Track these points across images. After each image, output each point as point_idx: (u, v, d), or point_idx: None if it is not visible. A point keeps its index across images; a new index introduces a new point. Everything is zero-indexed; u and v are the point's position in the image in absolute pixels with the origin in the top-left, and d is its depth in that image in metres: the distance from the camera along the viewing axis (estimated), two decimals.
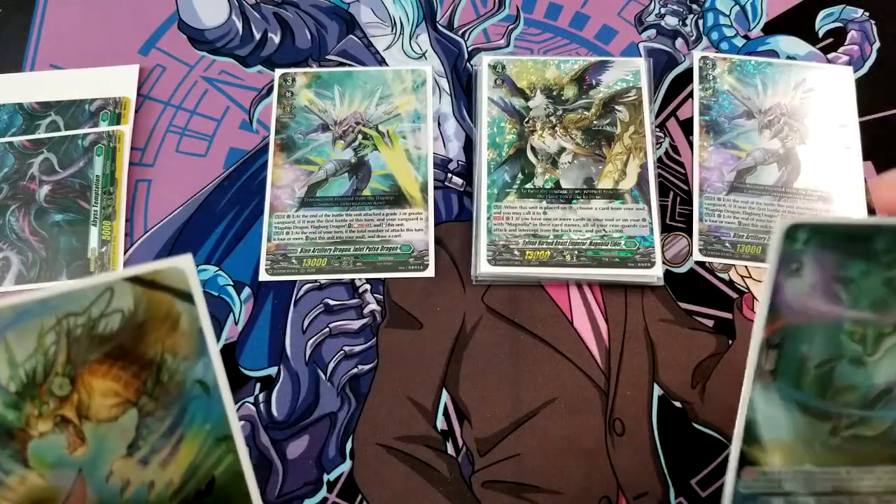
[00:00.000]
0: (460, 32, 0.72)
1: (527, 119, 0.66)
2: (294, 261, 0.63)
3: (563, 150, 0.65)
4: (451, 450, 0.58)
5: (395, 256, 0.63)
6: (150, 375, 0.35)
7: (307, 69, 0.70)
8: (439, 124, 0.69)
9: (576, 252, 0.62)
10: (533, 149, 0.65)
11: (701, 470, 0.58)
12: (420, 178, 0.66)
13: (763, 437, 0.46)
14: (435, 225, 0.65)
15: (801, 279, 0.42)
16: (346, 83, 0.69)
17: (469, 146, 0.68)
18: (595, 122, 0.66)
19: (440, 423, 0.59)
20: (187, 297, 0.35)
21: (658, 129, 0.68)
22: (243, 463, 0.37)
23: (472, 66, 0.71)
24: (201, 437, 0.37)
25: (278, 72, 0.70)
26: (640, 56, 0.71)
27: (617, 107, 0.67)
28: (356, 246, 0.63)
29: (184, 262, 0.34)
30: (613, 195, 0.63)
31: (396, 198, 0.65)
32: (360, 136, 0.67)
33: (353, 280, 0.63)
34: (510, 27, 0.72)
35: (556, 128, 0.66)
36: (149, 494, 0.36)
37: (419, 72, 0.69)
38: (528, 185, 0.64)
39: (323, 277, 0.63)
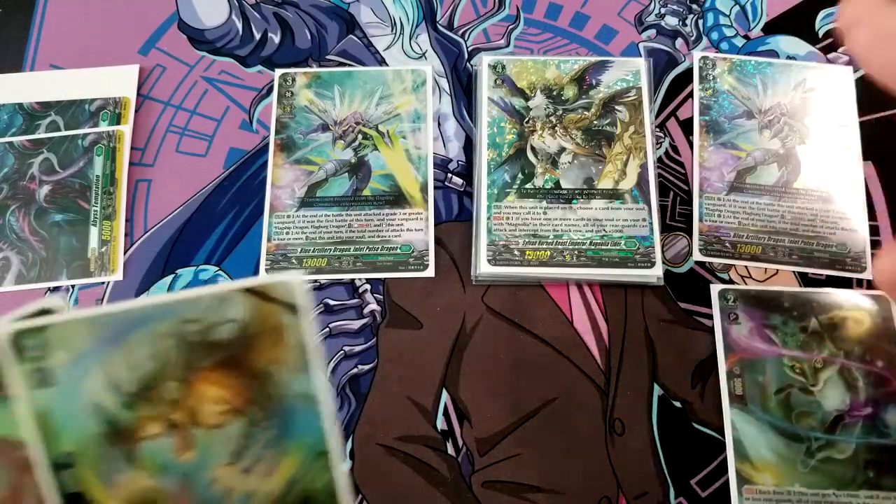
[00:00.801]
0: (460, 32, 0.72)
1: (527, 119, 0.66)
2: (294, 261, 0.63)
3: (563, 150, 0.65)
4: (451, 450, 0.58)
5: (395, 256, 0.63)
6: (258, 386, 0.36)
7: (307, 69, 0.70)
8: (439, 124, 0.69)
9: (576, 252, 0.62)
10: (533, 149, 0.65)
11: (701, 470, 0.58)
12: (420, 178, 0.66)
13: (751, 456, 0.53)
14: (435, 225, 0.65)
15: (741, 325, 0.57)
16: (346, 83, 0.69)
17: (469, 146, 0.68)
18: (595, 122, 0.66)
19: (440, 423, 0.59)
20: (295, 310, 0.35)
21: (658, 129, 0.68)
22: (340, 482, 0.37)
23: (472, 66, 0.71)
24: (302, 451, 0.37)
25: (278, 72, 0.70)
26: (640, 56, 0.71)
27: (617, 107, 0.67)
28: (356, 246, 0.63)
29: (294, 277, 0.35)
30: (613, 195, 0.63)
31: (396, 198, 0.65)
32: (360, 136, 0.67)
33: (353, 280, 0.63)
34: (510, 27, 0.72)
35: (556, 128, 0.66)
36: None
37: (419, 72, 0.69)
38: (528, 185, 0.64)
39: (323, 277, 0.63)
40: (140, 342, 0.34)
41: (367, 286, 0.63)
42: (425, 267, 0.63)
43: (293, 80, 0.69)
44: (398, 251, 0.63)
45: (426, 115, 0.68)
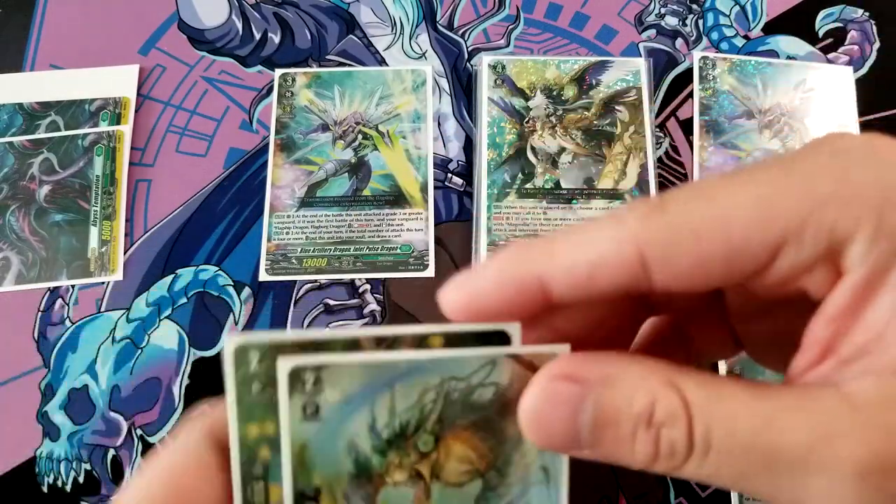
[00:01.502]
0: (460, 32, 0.72)
1: (527, 119, 0.66)
2: (294, 261, 0.63)
3: (563, 150, 0.65)
4: None
5: (395, 256, 0.63)
6: (505, 452, 0.34)
7: (307, 69, 0.70)
8: (439, 124, 0.69)
9: None
10: (533, 149, 0.65)
11: None
12: (420, 178, 0.66)
13: None
14: (435, 225, 0.65)
15: None
16: (346, 83, 0.69)
17: (469, 146, 0.68)
18: (595, 122, 0.66)
19: None
20: None
21: (658, 129, 0.68)
22: None
23: (472, 66, 0.70)
24: None
25: (278, 72, 0.70)
26: (640, 56, 0.71)
27: (617, 107, 0.67)
28: (356, 246, 0.63)
29: (561, 348, 0.31)
30: (613, 195, 0.63)
31: (396, 198, 0.65)
32: (360, 136, 0.67)
33: (353, 280, 0.63)
34: (510, 27, 0.72)
35: (556, 128, 0.66)
36: None
37: (419, 72, 0.69)
38: (528, 185, 0.64)
39: (323, 277, 0.63)
40: (404, 392, 0.33)
41: (368, 286, 0.63)
42: (425, 267, 0.63)
43: (293, 80, 0.69)
44: (398, 251, 0.63)
45: (426, 115, 0.68)
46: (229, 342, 0.30)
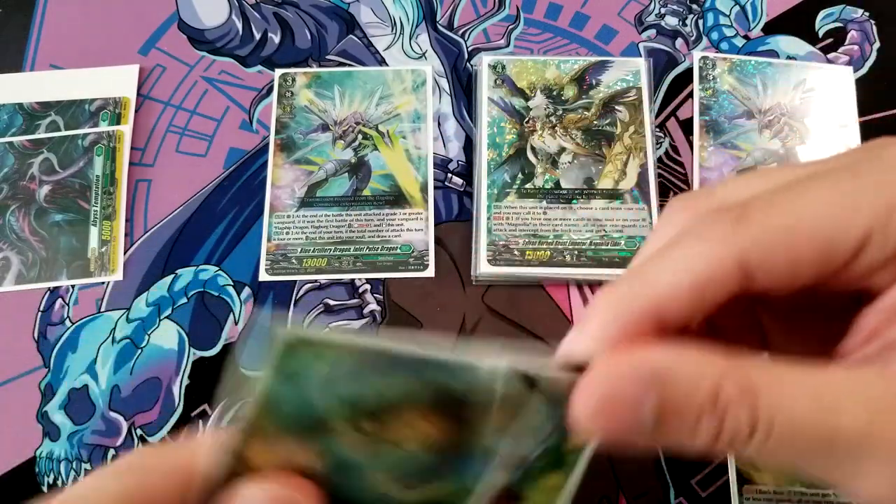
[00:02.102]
0: (460, 32, 0.72)
1: (527, 119, 0.67)
2: (294, 261, 0.63)
3: (563, 150, 0.65)
4: None
5: (395, 256, 0.63)
6: (463, 437, 0.33)
7: (307, 69, 0.70)
8: (439, 124, 0.69)
9: (576, 252, 0.62)
10: (533, 149, 0.65)
11: (701, 470, 0.58)
12: (420, 178, 0.66)
13: None
14: (435, 225, 0.65)
15: None
16: (346, 83, 0.69)
17: (469, 146, 0.68)
18: (595, 122, 0.66)
19: None
20: (552, 401, 0.32)
21: (658, 129, 0.68)
22: None
23: (472, 66, 0.71)
24: (455, 484, 0.35)
25: (278, 72, 0.70)
26: (640, 56, 0.71)
27: (617, 107, 0.67)
28: (356, 246, 0.63)
29: (568, 377, 0.31)
30: (613, 195, 0.64)
31: (396, 198, 0.65)
32: (360, 136, 0.67)
33: (353, 280, 0.63)
34: (510, 27, 0.72)
35: (556, 128, 0.66)
36: None
37: (419, 72, 0.70)
38: (528, 185, 0.64)
39: (323, 277, 0.63)
40: (401, 383, 0.33)
41: (367, 286, 0.63)
42: (425, 267, 0.63)
43: (293, 80, 0.69)
44: (398, 251, 0.63)
45: (426, 115, 0.68)
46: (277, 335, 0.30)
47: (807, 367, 0.27)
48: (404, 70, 0.70)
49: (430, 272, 0.63)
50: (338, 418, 0.33)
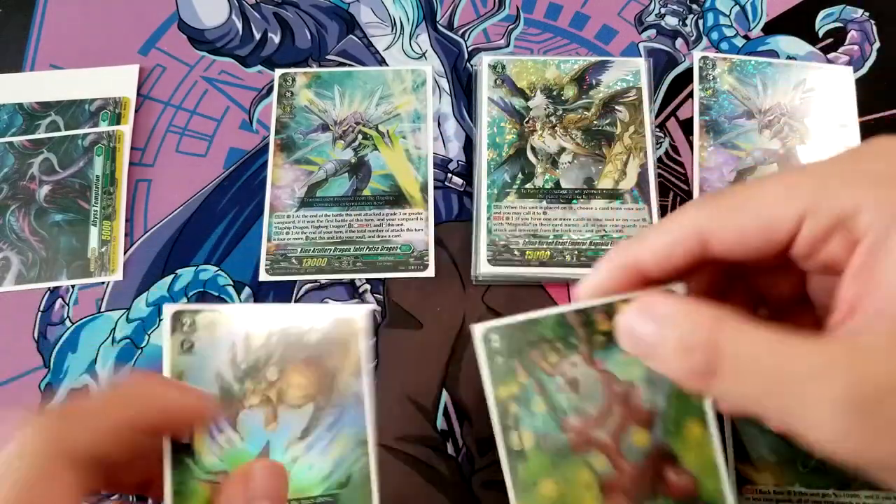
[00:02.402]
0: (460, 32, 0.72)
1: (527, 119, 0.67)
2: (294, 261, 0.63)
3: (563, 149, 0.65)
4: (451, 450, 0.58)
5: (395, 256, 0.63)
6: (327, 381, 0.48)
7: (307, 69, 0.70)
8: (439, 124, 0.69)
9: (576, 252, 0.62)
10: (533, 149, 0.65)
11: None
12: (420, 178, 0.66)
13: (751, 456, 0.54)
14: (435, 225, 0.65)
15: None
16: (346, 83, 0.69)
17: (469, 146, 0.68)
18: (595, 121, 0.66)
19: (440, 423, 0.59)
20: (358, 330, 0.49)
21: (658, 129, 0.68)
22: (372, 465, 0.48)
23: (472, 66, 0.71)
24: (349, 438, 0.48)
25: (278, 72, 0.70)
26: (640, 56, 0.71)
27: (617, 107, 0.67)
28: (356, 246, 0.63)
29: (359, 309, 0.49)
30: (613, 195, 0.63)
31: (396, 198, 0.65)
32: (360, 136, 0.67)
33: (352, 280, 0.63)
34: (510, 27, 0.72)
35: (556, 128, 0.66)
36: (308, 475, 0.47)
37: (419, 72, 0.70)
38: (529, 185, 0.64)
39: (323, 277, 0.63)
40: (257, 335, 0.49)
41: (367, 286, 0.63)
42: (425, 267, 0.63)
43: (293, 80, 0.69)
44: (398, 251, 0.63)
45: (426, 115, 0.68)
46: (477, 329, 0.45)
47: (784, 332, 0.33)
48: (404, 70, 0.70)
49: (430, 272, 0.63)
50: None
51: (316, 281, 0.63)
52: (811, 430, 0.32)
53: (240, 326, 0.49)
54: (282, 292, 0.63)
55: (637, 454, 0.47)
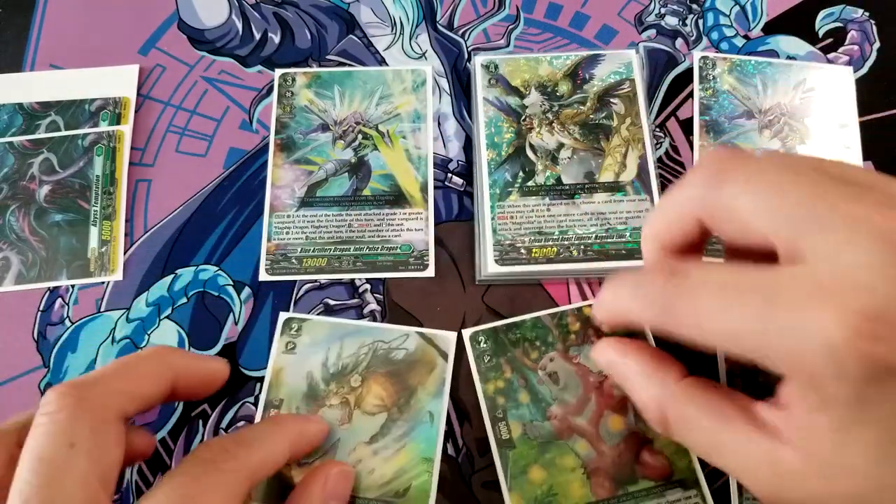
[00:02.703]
0: (460, 32, 0.72)
1: (523, 117, 0.67)
2: (294, 261, 0.63)
3: (561, 145, 0.65)
4: (451, 450, 0.58)
5: (395, 256, 0.63)
6: (405, 395, 0.56)
7: (307, 69, 0.70)
8: (439, 124, 0.69)
9: (582, 247, 0.62)
10: (532, 146, 0.65)
11: (700, 470, 0.57)
12: (420, 178, 0.66)
13: None
14: (435, 225, 0.65)
15: None
16: (346, 83, 0.69)
17: (469, 146, 0.68)
18: (591, 115, 0.66)
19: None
20: (445, 356, 0.58)
21: (658, 129, 0.68)
22: (433, 483, 0.54)
23: (471, 66, 0.70)
24: (415, 452, 0.55)
25: (278, 72, 0.70)
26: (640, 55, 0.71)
27: (612, 99, 0.67)
28: (356, 246, 0.63)
29: (450, 336, 0.59)
30: (615, 188, 0.64)
31: (396, 198, 0.65)
32: (360, 136, 0.67)
33: (353, 280, 0.63)
34: (510, 27, 0.72)
35: (554, 124, 0.66)
36: (368, 478, 0.53)
37: (419, 72, 0.70)
38: (530, 183, 0.64)
39: (323, 277, 0.63)
40: (348, 344, 0.59)
41: (368, 286, 0.63)
42: (425, 267, 0.63)
43: (293, 80, 0.69)
44: (398, 251, 0.63)
45: (426, 115, 0.68)
46: (465, 333, 0.58)
47: (713, 395, 0.42)
48: (404, 70, 0.70)
49: (430, 272, 0.63)
50: None
51: (316, 281, 0.63)
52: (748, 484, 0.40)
53: (337, 337, 0.59)
54: (282, 292, 0.63)
55: (615, 438, 0.55)
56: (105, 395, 0.43)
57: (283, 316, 0.60)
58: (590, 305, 0.57)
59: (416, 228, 0.64)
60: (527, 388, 0.57)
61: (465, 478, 0.57)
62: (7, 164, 0.67)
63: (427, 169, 0.66)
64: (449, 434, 0.58)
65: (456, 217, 0.66)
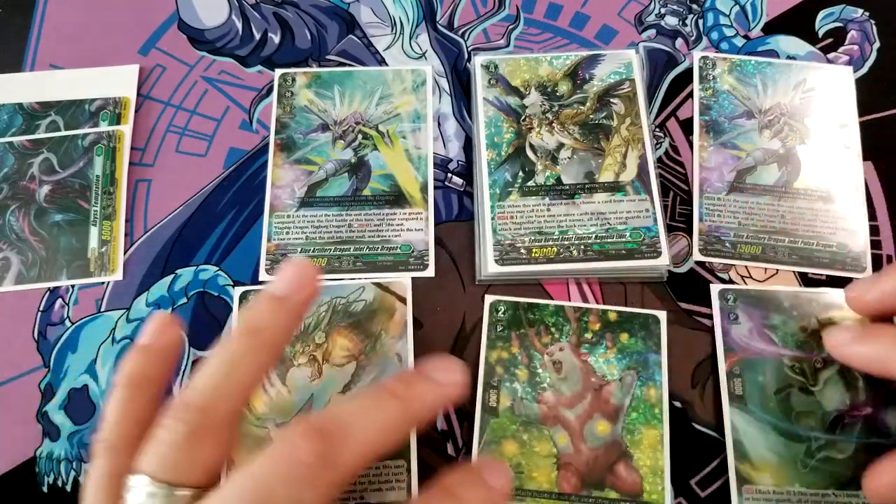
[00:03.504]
0: (460, 32, 0.72)
1: (523, 117, 0.66)
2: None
3: (561, 145, 0.65)
4: (451, 450, 0.58)
5: (394, 256, 0.63)
6: (370, 343, 0.57)
7: (307, 69, 0.70)
8: (439, 124, 0.68)
9: (582, 247, 0.61)
10: (532, 146, 0.65)
11: (701, 470, 0.57)
12: (420, 178, 0.65)
13: (751, 456, 0.54)
14: (435, 225, 0.64)
15: (741, 325, 0.59)
16: (346, 83, 0.69)
17: (469, 146, 0.67)
18: (591, 115, 0.66)
19: (440, 423, 0.59)
20: (403, 300, 0.60)
21: (658, 129, 0.68)
22: None
23: (470, 66, 0.70)
24: None
25: (278, 72, 0.69)
26: (639, 55, 0.71)
27: (612, 100, 0.67)
28: (356, 246, 0.63)
29: (406, 280, 0.60)
30: (615, 188, 0.63)
31: (396, 198, 0.65)
32: (360, 136, 0.67)
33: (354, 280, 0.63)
34: (510, 27, 0.72)
35: (553, 124, 0.65)
36: None
37: (419, 72, 0.69)
38: (530, 183, 0.64)
39: (323, 277, 0.62)
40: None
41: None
42: (425, 267, 0.62)
43: (293, 80, 0.69)
44: (398, 251, 0.63)
45: (426, 114, 0.68)
46: (488, 298, 0.60)
47: None
48: (404, 70, 0.69)
49: (430, 272, 0.62)
50: None
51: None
52: None
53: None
54: None
55: (597, 441, 0.55)
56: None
57: (237, 290, 0.61)
58: (615, 311, 0.60)
59: (416, 228, 0.64)
60: (528, 368, 0.58)
61: None
62: (7, 164, 0.67)
63: (427, 169, 0.66)
64: (449, 434, 0.58)
65: (456, 217, 0.65)
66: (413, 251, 0.63)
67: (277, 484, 0.36)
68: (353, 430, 0.38)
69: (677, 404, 0.59)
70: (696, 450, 0.58)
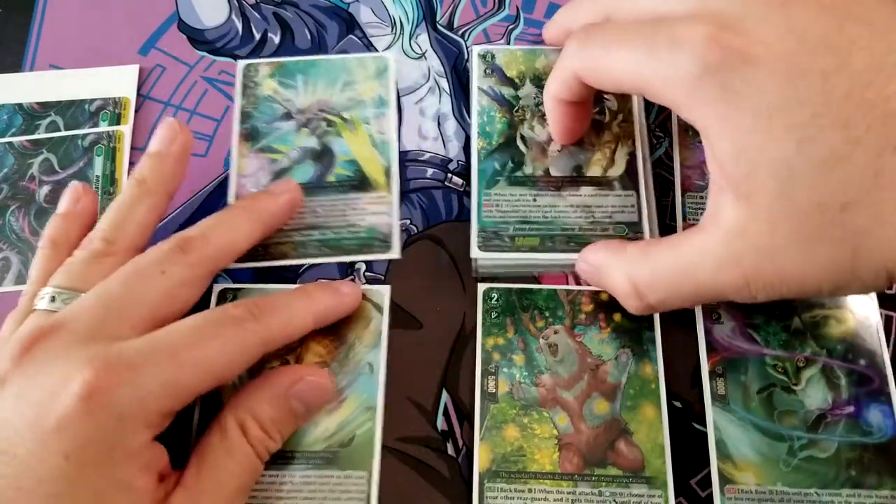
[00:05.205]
0: (460, 32, 0.70)
1: (516, 108, 0.65)
2: (259, 248, 0.60)
3: (551, 138, 0.63)
4: (451, 450, 0.56)
5: (359, 240, 0.61)
6: (343, 349, 0.57)
7: (271, 59, 0.68)
8: (439, 124, 0.66)
9: (565, 238, 0.59)
10: (522, 137, 0.63)
11: (701, 470, 0.54)
12: (384, 163, 0.64)
13: (733, 455, 0.53)
14: (434, 225, 0.63)
15: (723, 324, 0.59)
16: (310, 72, 0.67)
17: (469, 146, 0.66)
18: None
19: (440, 423, 0.57)
20: (380, 308, 0.59)
21: (658, 129, 0.67)
22: (377, 431, 0.54)
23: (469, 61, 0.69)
24: (357, 402, 0.55)
25: (241, 63, 0.68)
26: None
27: (605, 95, 0.65)
28: (321, 231, 0.61)
29: (384, 290, 0.59)
30: (602, 182, 0.61)
31: (361, 182, 0.63)
32: (323, 124, 0.65)
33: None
34: (510, 27, 0.70)
35: (546, 116, 0.65)
36: (313, 431, 0.54)
37: (381, 58, 0.68)
38: (518, 173, 0.62)
39: (288, 262, 0.61)
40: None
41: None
42: (389, 248, 0.61)
43: (256, 70, 0.67)
44: (362, 234, 0.61)
45: (389, 100, 0.66)
46: (480, 286, 0.60)
47: (664, 246, 0.50)
48: (367, 58, 0.68)
49: (394, 254, 0.60)
50: None
51: (284, 267, 0.61)
52: (729, 294, 0.46)
53: None
54: (273, 280, 0.62)
55: (596, 419, 0.55)
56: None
57: (217, 287, 0.60)
58: (606, 293, 0.60)
59: (380, 212, 0.62)
60: (524, 352, 0.58)
61: (465, 478, 0.56)
62: (7, 164, 0.65)
63: (391, 153, 0.64)
64: (449, 434, 0.56)
65: (456, 217, 0.63)
66: (378, 234, 0.62)
67: (147, 265, 0.50)
68: (211, 234, 0.53)
69: (677, 404, 0.57)
70: (696, 450, 0.56)
